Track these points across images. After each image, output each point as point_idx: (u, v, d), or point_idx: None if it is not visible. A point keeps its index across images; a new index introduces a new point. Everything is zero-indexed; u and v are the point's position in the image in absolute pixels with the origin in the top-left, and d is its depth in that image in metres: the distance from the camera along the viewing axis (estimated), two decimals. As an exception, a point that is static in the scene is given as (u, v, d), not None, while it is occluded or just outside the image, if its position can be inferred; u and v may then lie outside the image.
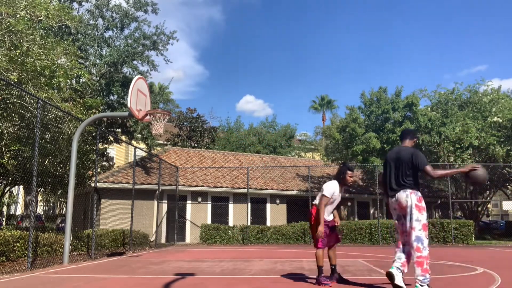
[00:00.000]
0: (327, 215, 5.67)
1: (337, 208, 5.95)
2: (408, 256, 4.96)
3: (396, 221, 5.10)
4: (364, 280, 6.06)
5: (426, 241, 4.76)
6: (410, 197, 4.85)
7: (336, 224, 5.81)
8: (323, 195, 5.54)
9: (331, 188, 5.57)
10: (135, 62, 16.59)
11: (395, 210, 5.06)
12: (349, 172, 5.62)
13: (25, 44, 9.37)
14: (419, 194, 4.90)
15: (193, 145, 30.46)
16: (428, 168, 4.83)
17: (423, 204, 4.85)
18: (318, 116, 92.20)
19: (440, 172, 4.91)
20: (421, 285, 4.64)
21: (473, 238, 16.76)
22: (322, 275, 5.59)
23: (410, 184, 4.92)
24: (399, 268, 4.87)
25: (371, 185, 21.93)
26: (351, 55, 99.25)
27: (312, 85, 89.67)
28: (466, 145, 18.07)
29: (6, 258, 8.31)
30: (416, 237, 4.73)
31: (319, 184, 20.96)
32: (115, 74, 16.17)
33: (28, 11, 10.02)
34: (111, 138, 18.21)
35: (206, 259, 9.90)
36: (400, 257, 4.95)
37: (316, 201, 5.70)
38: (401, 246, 5.02)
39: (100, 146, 15.82)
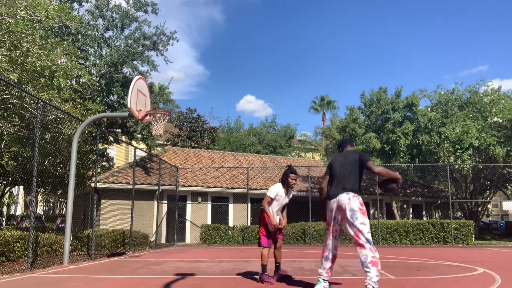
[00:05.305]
0: (275, 215, 6.02)
1: (283, 210, 6.25)
2: (333, 260, 4.96)
3: (331, 224, 4.98)
4: (364, 280, 6.04)
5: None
6: (353, 200, 4.78)
7: (280, 226, 6.04)
8: (266, 195, 5.99)
9: (274, 190, 5.99)
10: (135, 62, 16.58)
11: (332, 212, 4.95)
12: (291, 175, 6.04)
13: (25, 44, 9.36)
14: (361, 198, 4.87)
15: (193, 145, 30.44)
16: (370, 163, 4.89)
17: (364, 208, 4.81)
18: (318, 117, 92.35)
19: (380, 168, 4.91)
20: (374, 287, 4.54)
21: (473, 238, 16.76)
22: (265, 273, 5.88)
23: (353, 187, 4.88)
24: (325, 280, 4.92)
25: (371, 185, 21.92)
26: (351, 55, 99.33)
27: (312, 85, 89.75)
28: (466, 146, 18.07)
29: (6, 258, 8.31)
30: (367, 239, 4.66)
31: (319, 185, 20.92)
32: (115, 74, 16.17)
33: (28, 12, 10.01)
34: (111, 138, 18.20)
35: (206, 259, 9.90)
36: (326, 266, 4.94)
37: None
38: (327, 252, 4.96)
39: (100, 146, 15.81)
